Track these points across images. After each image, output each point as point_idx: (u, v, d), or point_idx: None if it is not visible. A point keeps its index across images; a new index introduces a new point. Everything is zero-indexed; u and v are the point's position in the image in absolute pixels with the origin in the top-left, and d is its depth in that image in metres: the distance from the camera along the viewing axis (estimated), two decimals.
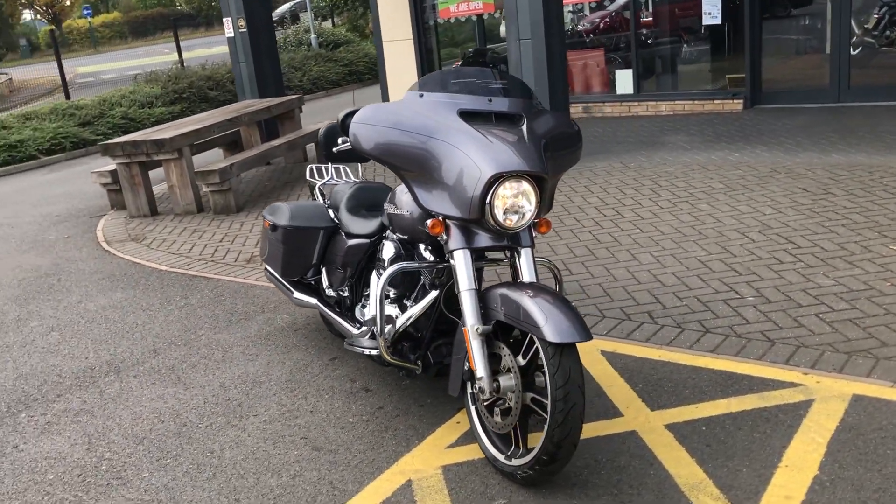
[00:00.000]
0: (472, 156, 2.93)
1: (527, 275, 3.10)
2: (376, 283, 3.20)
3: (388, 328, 3.37)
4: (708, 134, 8.71)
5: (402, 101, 3.11)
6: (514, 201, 2.97)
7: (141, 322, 5.11)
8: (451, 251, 3.04)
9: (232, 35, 10.53)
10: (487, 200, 2.91)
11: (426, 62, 12.48)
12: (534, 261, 3.13)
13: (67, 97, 16.17)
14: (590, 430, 3.26)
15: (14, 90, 30.45)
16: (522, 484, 2.93)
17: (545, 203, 3.12)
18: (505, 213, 2.96)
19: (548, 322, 2.72)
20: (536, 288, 2.91)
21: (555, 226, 6.06)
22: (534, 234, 3.21)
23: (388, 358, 3.27)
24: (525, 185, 2.96)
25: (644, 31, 10.56)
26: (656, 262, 5.05)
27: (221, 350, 4.50)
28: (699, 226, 5.65)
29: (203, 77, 16.29)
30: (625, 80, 10.61)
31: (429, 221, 3.02)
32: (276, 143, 8.86)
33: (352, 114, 3.12)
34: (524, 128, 3.10)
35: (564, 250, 5.48)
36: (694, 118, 9.76)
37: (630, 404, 3.43)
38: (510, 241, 3.10)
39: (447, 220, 3.04)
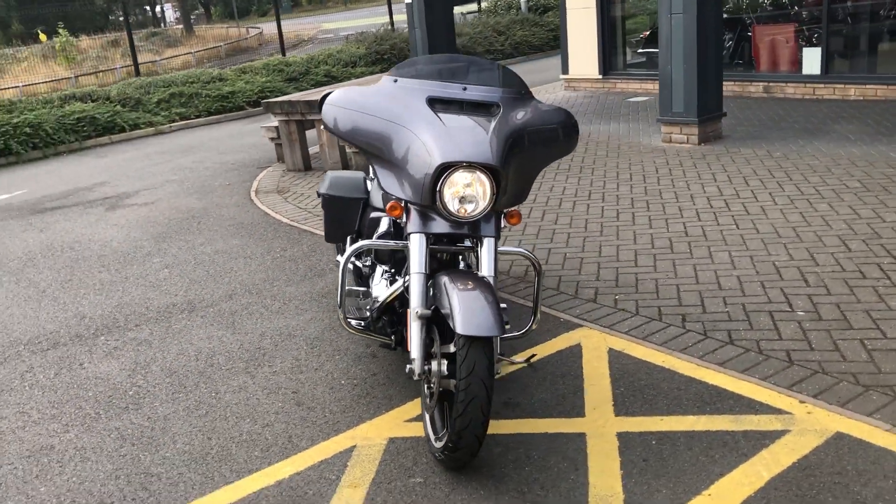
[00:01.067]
0: (427, 143, 2.99)
1: (485, 266, 3.11)
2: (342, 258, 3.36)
3: (353, 303, 3.54)
4: (886, 124, 7.80)
5: (375, 85, 3.22)
6: (465, 191, 2.99)
7: (237, 268, 5.65)
8: (408, 234, 3.13)
9: (409, 1, 10.91)
10: (438, 188, 2.97)
11: (608, 32, 12.15)
12: (495, 252, 3.14)
13: (283, 53, 17.58)
14: (543, 425, 3.24)
15: (262, 43, 33.52)
16: (444, 466, 3.01)
17: (507, 194, 3.10)
18: (459, 201, 3.00)
19: (460, 313, 2.76)
20: (475, 279, 2.93)
21: (652, 213, 5.82)
22: (502, 225, 3.22)
23: (346, 329, 3.44)
24: (478, 176, 2.97)
25: (838, 7, 9.54)
26: (728, 263, 4.73)
27: (281, 302, 4.90)
28: (802, 228, 5.18)
29: (405, 39, 16.96)
30: (811, 59, 9.69)
31: (388, 203, 3.13)
32: None
33: (328, 95, 3.28)
34: (497, 118, 3.10)
35: (646, 240, 5.28)
36: (883, 105, 8.74)
37: (599, 406, 3.35)
38: (470, 229, 3.13)
39: (408, 204, 3.13)
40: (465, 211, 3.03)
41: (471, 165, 2.96)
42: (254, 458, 3.22)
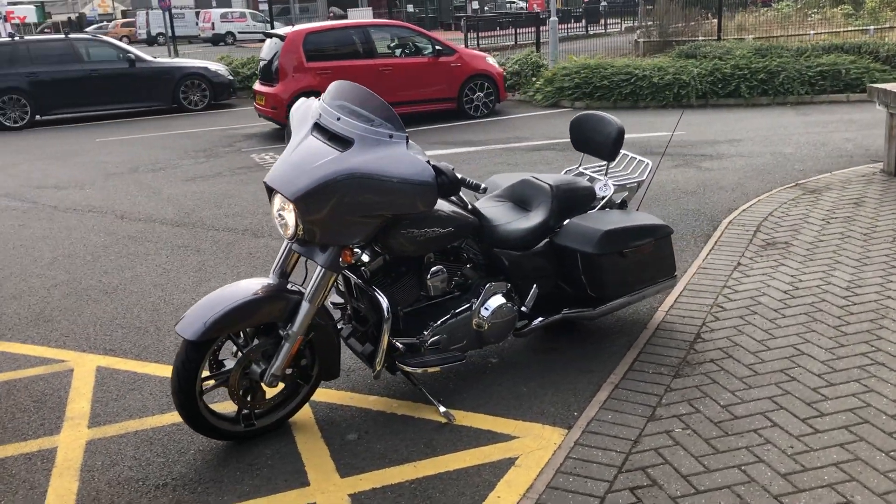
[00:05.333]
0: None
1: (309, 289, 3.28)
2: None
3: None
4: None
5: (312, 100, 3.48)
6: (276, 213, 3.24)
7: None
8: None
9: None
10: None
11: None
12: (319, 280, 3.26)
13: None
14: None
15: None
16: None
17: (319, 230, 3.13)
18: (279, 221, 3.27)
19: (187, 312, 3.21)
20: (257, 291, 3.23)
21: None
22: (340, 260, 3.25)
23: None
24: (283, 201, 3.17)
25: None
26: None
27: None
28: None
29: None
30: None
31: None
32: None
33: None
34: (339, 153, 3.13)
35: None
36: None
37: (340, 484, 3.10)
38: (309, 251, 3.30)
39: None
40: (285, 231, 3.26)
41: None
42: None
